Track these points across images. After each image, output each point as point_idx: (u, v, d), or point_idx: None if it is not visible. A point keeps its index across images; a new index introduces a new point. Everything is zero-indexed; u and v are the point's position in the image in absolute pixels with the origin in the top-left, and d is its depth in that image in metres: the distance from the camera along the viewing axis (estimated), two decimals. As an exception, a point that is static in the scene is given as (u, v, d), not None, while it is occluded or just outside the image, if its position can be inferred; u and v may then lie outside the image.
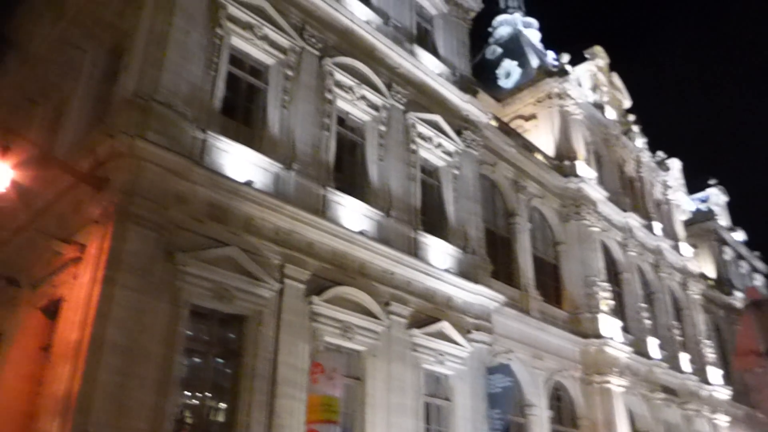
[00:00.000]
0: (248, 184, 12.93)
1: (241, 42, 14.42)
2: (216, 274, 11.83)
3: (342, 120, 16.50)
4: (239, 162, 13.09)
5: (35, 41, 19.00)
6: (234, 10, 14.16)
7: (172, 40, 12.83)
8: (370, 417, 13.76)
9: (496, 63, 34.27)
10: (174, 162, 11.72)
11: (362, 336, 14.21)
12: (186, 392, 11.35)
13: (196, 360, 11.70)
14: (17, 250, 14.11)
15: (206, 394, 11.71)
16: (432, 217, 17.96)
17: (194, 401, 11.56)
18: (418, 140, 18.10)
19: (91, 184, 11.70)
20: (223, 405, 11.89)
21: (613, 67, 34.04)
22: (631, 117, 34.28)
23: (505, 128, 24.05)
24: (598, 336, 22.79)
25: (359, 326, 14.18)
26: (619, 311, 25.46)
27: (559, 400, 21.84)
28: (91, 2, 15.96)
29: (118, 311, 10.30)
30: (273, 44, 14.90)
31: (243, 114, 14.35)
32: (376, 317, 14.59)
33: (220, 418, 11.83)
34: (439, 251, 17.17)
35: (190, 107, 12.57)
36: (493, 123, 22.27)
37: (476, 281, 17.56)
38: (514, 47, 34.95)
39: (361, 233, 14.84)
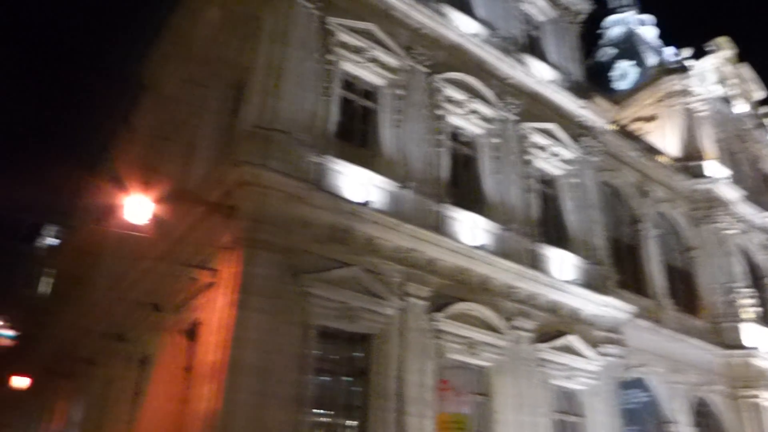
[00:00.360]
0: (366, 204, 13.16)
1: (351, 66, 14.80)
2: (340, 294, 12.12)
3: (455, 135, 16.47)
4: (356, 183, 13.37)
5: (166, 83, 20.48)
6: (344, 36, 14.58)
7: (287, 71, 13.40)
8: (501, 434, 13.48)
9: (609, 65, 33.10)
10: (295, 187, 12.16)
11: (487, 352, 14.00)
12: (318, 410, 11.62)
13: (326, 379, 11.95)
14: (159, 278, 15.12)
15: (337, 412, 11.93)
16: (552, 229, 17.46)
17: (326, 419, 11.80)
18: (534, 150, 17.73)
19: (220, 213, 12.36)
20: (353, 423, 12.06)
21: (742, 57, 31.80)
22: (765, 109, 31.80)
23: (624, 132, 23.06)
24: (742, 346, 21.14)
25: (483, 342, 13.98)
26: (765, 319, 23.49)
27: (703, 416, 20.37)
28: (214, 43, 17.02)
29: (251, 333, 10.77)
30: (383, 65, 15.18)
31: (357, 136, 14.67)
32: (500, 332, 14.34)
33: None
34: (562, 263, 16.63)
35: (307, 133, 13.03)
36: (612, 127, 21.40)
37: (603, 292, 16.85)
38: (629, 47, 33.61)
39: (480, 248, 14.68)
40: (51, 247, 38.44)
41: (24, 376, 20.27)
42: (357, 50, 14.80)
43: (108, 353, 17.52)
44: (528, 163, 17.46)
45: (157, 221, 13.37)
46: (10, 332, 17.89)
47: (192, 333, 12.64)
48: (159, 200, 11.94)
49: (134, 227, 14.97)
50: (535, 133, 17.91)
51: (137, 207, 11.34)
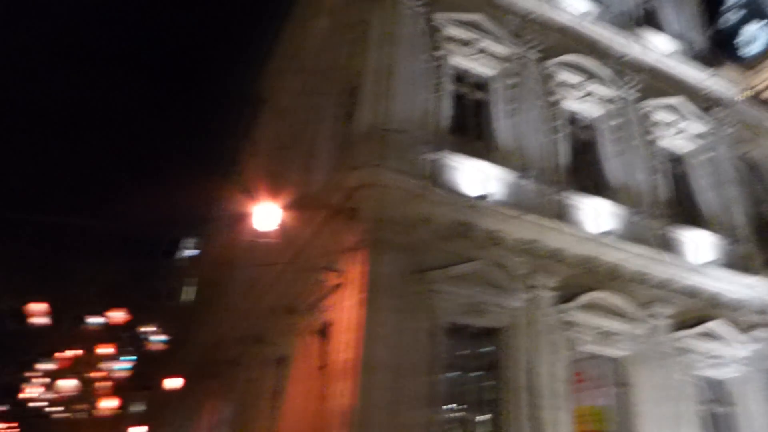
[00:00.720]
0: (485, 197, 13.06)
1: (461, 59, 14.75)
2: (466, 289, 12.11)
3: (572, 120, 15.98)
4: (474, 177, 13.30)
5: (282, 96, 21.36)
6: (451, 30, 14.55)
7: (397, 71, 13.57)
8: (641, 427, 12.90)
9: (734, 30, 30.67)
10: (413, 185, 12.30)
11: (622, 341, 13.46)
12: (450, 406, 11.67)
13: (456, 374, 11.97)
14: (289, 282, 15.81)
15: (469, 407, 11.92)
16: (685, 209, 16.49)
17: (458, 414, 11.83)
18: (658, 128, 16.85)
19: (343, 216, 12.74)
20: (486, 417, 12.00)
21: None
22: None
23: (760, 100, 21.33)
24: None
25: (618, 332, 13.45)
26: None
27: None
28: (324, 51, 17.54)
29: (380, 331, 11.01)
30: (492, 55, 15.00)
31: (472, 129, 14.58)
32: (635, 321, 13.73)
33: (486, 430, 11.95)
34: (698, 244, 15.66)
35: (422, 131, 13.14)
36: (745, 95, 19.85)
37: (748, 272, 15.69)
38: (758, 8, 30.98)
39: (607, 234, 14.14)
40: (191, 258, 41.22)
41: (176, 377, 21.89)
42: (465, 43, 14.72)
43: (248, 354, 18.53)
44: (653, 142, 16.60)
45: (284, 228, 13.98)
46: (163, 337, 19.42)
47: (324, 333, 13.10)
48: (284, 207, 12.50)
49: (263, 234, 15.77)
50: (658, 110, 17.00)
51: (265, 215, 11.92)
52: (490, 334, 12.45)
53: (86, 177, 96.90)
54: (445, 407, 11.42)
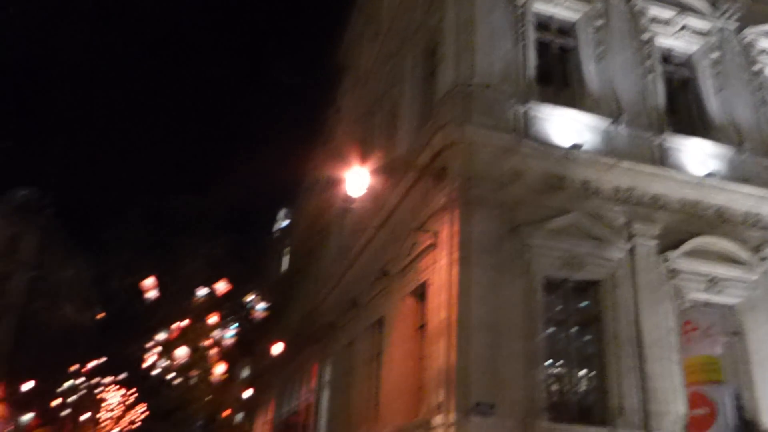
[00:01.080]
0: (578, 147, 12.61)
1: (542, 5, 14.16)
2: (562, 242, 11.82)
3: (666, 58, 15.09)
4: (565, 126, 12.86)
5: (362, 60, 21.31)
6: (531, -24, 13.95)
7: (478, 23, 13.21)
8: (756, 376, 12.29)
9: None
10: (502, 140, 12.06)
11: (734, 288, 12.78)
12: (551, 362, 11.53)
13: (556, 330, 11.79)
14: (383, 245, 15.98)
15: (570, 363, 11.73)
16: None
17: (561, 370, 11.68)
18: (764, 57, 15.61)
19: (432, 176, 12.69)
20: (589, 372, 11.79)
21: None
22: None
23: None
24: None
25: (729, 278, 12.77)
26: None
27: None
28: (401, 11, 17.29)
29: (477, 290, 10.97)
30: (573, -3, 14.31)
31: (559, 77, 14.05)
32: (748, 265, 12.99)
33: (589, 385, 11.75)
34: (815, 181, 14.54)
35: (507, 83, 12.79)
36: None
37: None
38: None
39: (711, 176, 13.37)
40: (286, 228, 42.44)
41: (278, 342, 22.78)
42: (546, -13, 14.10)
43: (346, 318, 18.97)
44: (758, 73, 15.44)
45: (374, 192, 14.07)
46: (264, 305, 20.25)
47: (420, 294, 13.19)
48: (373, 172, 12.57)
49: (354, 200, 15.96)
50: (762, 38, 15.75)
51: (355, 180, 12.02)
52: (589, 287, 12.15)
53: (186, 156, 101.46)
54: (545, 364, 11.29)
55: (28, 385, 41.91)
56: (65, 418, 47.52)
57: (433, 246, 12.37)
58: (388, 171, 13.18)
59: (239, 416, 37.19)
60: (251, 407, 38.34)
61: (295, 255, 35.01)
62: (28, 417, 46.10)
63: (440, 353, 11.08)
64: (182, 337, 20.63)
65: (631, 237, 12.40)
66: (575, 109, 13.15)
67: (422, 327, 13.08)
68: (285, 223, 44.41)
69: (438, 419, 10.68)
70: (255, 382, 38.35)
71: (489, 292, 11.01)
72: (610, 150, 12.86)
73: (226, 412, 31.85)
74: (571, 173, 12.34)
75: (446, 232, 11.86)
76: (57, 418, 47.32)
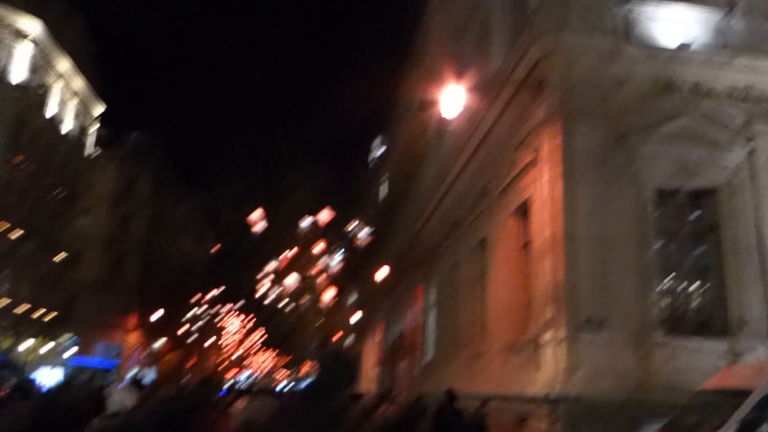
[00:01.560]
0: (687, 46, 11.70)
1: None
2: (673, 149, 11.16)
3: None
4: (670, 25, 11.92)
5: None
6: None
7: None
8: None
9: None
10: (603, 45, 11.38)
11: None
12: (665, 275, 11.13)
13: (669, 241, 11.30)
14: (482, 166, 15.74)
15: (684, 275, 11.27)
16: None
17: (674, 283, 11.26)
18: None
19: (529, 89, 12.20)
20: (706, 284, 11.30)
21: None
22: None
23: None
24: None
25: None
26: None
27: None
28: None
29: (583, 204, 10.64)
30: None
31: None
32: None
33: (705, 297, 11.28)
34: None
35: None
36: None
37: None
38: None
39: None
40: (383, 155, 42.72)
41: (382, 267, 23.34)
42: None
43: (449, 240, 19.08)
44: None
45: (469, 111, 13.77)
46: (367, 231, 20.68)
47: (523, 212, 12.99)
48: (467, 91, 12.25)
49: (449, 121, 15.71)
50: None
51: (449, 101, 11.78)
52: (704, 195, 11.48)
53: (285, 90, 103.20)
54: (659, 276, 10.92)
55: (157, 315, 45.59)
56: (192, 343, 51.49)
57: (534, 163, 12.05)
58: (483, 89, 12.79)
59: (350, 339, 38.93)
60: (360, 330, 39.96)
61: (393, 181, 35.26)
62: (159, 343, 50.42)
63: (547, 271, 10.96)
64: (291, 266, 21.50)
65: (750, 139, 11.52)
66: (681, 2, 12.11)
67: (526, 245, 12.93)
68: (381, 151, 44.64)
69: (547, 336, 10.67)
70: (363, 306, 39.76)
71: (596, 205, 10.66)
72: (723, 46, 11.85)
73: (337, 336, 33.37)
74: (681, 75, 11.49)
75: (547, 147, 11.49)
76: (185, 343, 51.40)
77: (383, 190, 38.73)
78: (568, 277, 10.41)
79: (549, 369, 10.43)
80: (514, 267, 13.31)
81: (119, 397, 5.75)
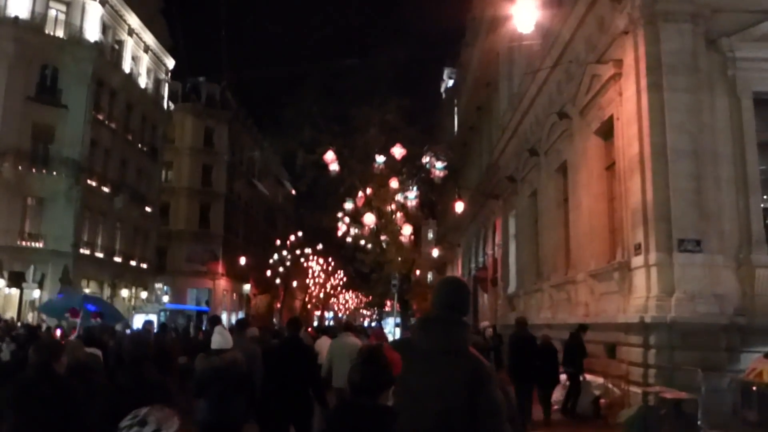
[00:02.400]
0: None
1: None
2: (773, 50, 10.10)
3: None
4: None
5: None
6: None
7: None
8: None
9: None
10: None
11: None
12: (767, 189, 10.27)
13: (771, 152, 10.37)
14: (558, 86, 14.92)
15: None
16: None
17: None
18: None
19: (608, -3, 11.28)
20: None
21: None
22: None
23: None
24: None
25: None
26: None
27: None
28: None
29: (673, 116, 9.84)
30: None
31: None
32: None
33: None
34: None
35: None
36: None
37: None
38: None
39: None
40: (452, 88, 41.62)
41: (458, 201, 22.96)
42: None
43: (527, 168, 18.42)
44: None
45: (543, 28, 12.95)
46: (442, 164, 20.25)
47: (606, 131, 12.24)
48: (540, 4, 11.40)
49: (521, 42, 14.86)
50: None
51: (522, 14, 10.97)
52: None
53: (351, 25, 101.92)
54: (758, 192, 10.06)
55: (241, 260, 47.10)
56: (278, 286, 53.10)
57: (616, 76, 11.21)
58: (557, 1, 11.90)
59: (430, 275, 39.01)
60: (440, 266, 39.96)
61: (465, 112, 34.38)
62: (247, 287, 52.27)
63: (635, 191, 10.30)
64: (368, 205, 21.40)
65: None
66: None
67: (611, 166, 12.25)
68: (451, 82, 43.48)
69: (638, 260, 10.12)
70: (440, 241, 39.62)
71: (687, 117, 9.84)
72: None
73: (417, 272, 33.47)
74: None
75: (630, 58, 10.63)
76: (271, 286, 53.08)
77: (455, 122, 37.89)
78: (658, 197, 9.76)
79: (641, 294, 9.93)
80: (598, 190, 12.66)
81: (219, 338, 6.00)
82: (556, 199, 15.79)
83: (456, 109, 38.66)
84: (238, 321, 8.66)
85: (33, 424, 3.90)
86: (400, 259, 21.85)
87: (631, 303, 10.29)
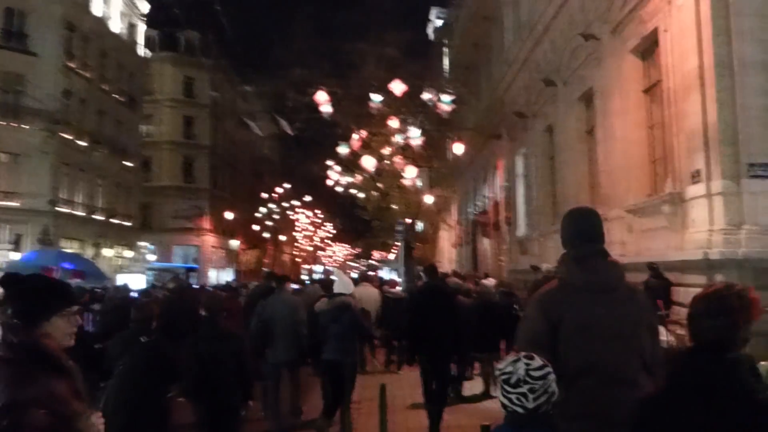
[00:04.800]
0: None
1: None
2: None
3: None
4: None
5: None
6: None
7: None
8: None
9: None
10: None
11: None
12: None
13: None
14: (579, 3, 13.47)
15: None
16: None
17: None
18: None
19: None
20: None
21: None
22: None
23: None
24: None
25: None
26: None
27: None
28: None
29: (739, 22, 8.52)
30: None
31: None
32: None
33: None
34: None
35: None
36: None
37: None
38: None
39: None
40: (441, 27, 39.67)
41: (459, 143, 21.61)
42: None
43: (540, 101, 17.05)
44: None
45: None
46: (448, 98, 18.81)
47: (646, 48, 10.91)
48: None
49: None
50: None
51: None
52: None
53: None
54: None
55: (229, 215, 45.57)
56: (266, 240, 51.88)
57: (664, -18, 9.81)
58: None
59: (420, 224, 37.84)
60: (431, 214, 38.77)
61: (459, 52, 32.75)
62: (235, 243, 50.86)
63: (692, 111, 9.01)
64: (365, 148, 19.93)
65: None
66: None
67: (651, 89, 10.96)
68: (439, 23, 41.54)
69: (695, 189, 8.92)
70: (433, 187, 38.38)
71: (758, 22, 8.51)
72: None
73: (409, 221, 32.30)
74: None
75: (684, -41, 9.22)
76: (260, 241, 51.82)
77: (448, 62, 36.15)
78: (723, 116, 8.51)
79: (702, 228, 8.76)
80: (636, 117, 11.38)
81: (339, 284, 6.97)
82: (577, 132, 14.51)
83: (447, 50, 36.89)
84: (279, 277, 8.73)
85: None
86: (403, 205, 20.53)
87: (687, 238, 9.14)
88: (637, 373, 2.32)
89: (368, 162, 19.30)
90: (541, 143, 17.52)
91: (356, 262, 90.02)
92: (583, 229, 2.62)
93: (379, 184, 22.02)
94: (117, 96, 34.69)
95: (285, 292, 7.48)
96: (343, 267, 78.02)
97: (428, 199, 21.46)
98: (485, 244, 29.29)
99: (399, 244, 21.58)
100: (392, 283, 12.54)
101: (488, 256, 28.52)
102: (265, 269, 28.03)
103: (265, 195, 48.59)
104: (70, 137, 28.99)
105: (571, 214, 2.80)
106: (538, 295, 2.56)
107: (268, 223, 49.14)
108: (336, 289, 6.63)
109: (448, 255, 40.66)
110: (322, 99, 19.87)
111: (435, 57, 39.07)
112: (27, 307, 1.96)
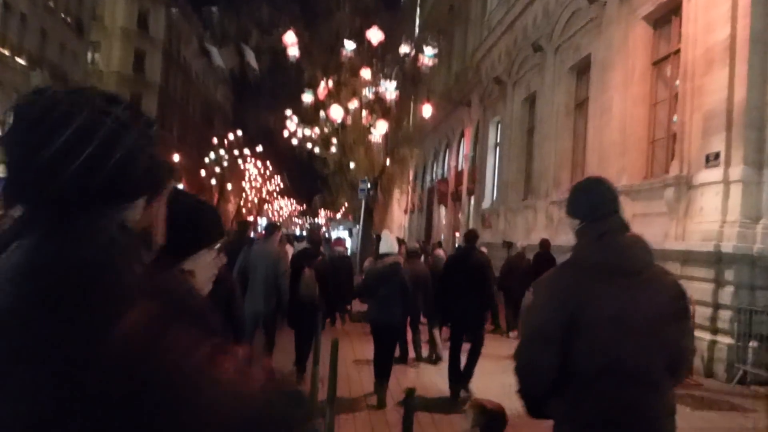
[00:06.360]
0: None
1: None
2: None
3: None
4: None
5: None
6: None
7: None
8: None
9: None
10: None
11: None
12: None
13: None
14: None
15: None
16: None
17: None
18: None
19: None
20: None
21: None
22: None
23: None
24: None
25: None
26: None
27: None
28: None
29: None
30: None
31: None
32: None
33: None
34: None
35: None
36: None
37: None
38: None
39: None
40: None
41: (428, 104, 20.49)
42: None
43: (525, 67, 16.03)
44: None
45: None
46: (432, 51, 17.62)
47: (661, 17, 9.99)
48: None
49: None
50: None
51: None
52: None
53: None
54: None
55: (174, 158, 43.40)
56: (212, 187, 49.89)
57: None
58: None
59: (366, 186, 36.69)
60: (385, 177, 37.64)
61: (431, 15, 31.51)
62: (179, 188, 48.57)
63: (716, 88, 8.14)
64: (333, 98, 18.56)
65: None
66: None
67: (660, 61, 10.08)
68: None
69: (709, 175, 8.10)
70: (391, 153, 37.21)
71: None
72: None
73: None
74: None
75: None
76: (205, 188, 49.81)
77: (417, 26, 34.68)
78: (752, 97, 7.66)
79: (712, 218, 7.96)
80: (639, 91, 10.49)
81: (385, 244, 6.86)
82: (565, 104, 13.60)
83: (418, 12, 35.47)
84: (269, 225, 8.61)
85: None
86: (367, 162, 19.30)
87: (692, 228, 8.35)
88: (662, 373, 2.01)
89: (336, 112, 17.98)
90: (520, 114, 16.57)
91: (301, 219, 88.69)
92: (602, 200, 2.16)
93: (340, 139, 20.71)
94: (63, 16, 32.00)
95: (271, 242, 7.10)
96: (287, 223, 76.55)
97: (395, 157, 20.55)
98: (441, 212, 28.50)
99: (356, 203, 20.40)
100: (338, 242, 11.80)
101: (443, 225, 27.76)
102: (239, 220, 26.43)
103: (215, 141, 46.55)
104: (7, 53, 26.47)
105: (586, 182, 2.31)
106: (548, 279, 2.13)
107: (216, 169, 47.21)
108: (382, 249, 6.57)
109: (398, 221, 39.77)
110: (290, 40, 18.43)
111: (406, 21, 37.55)
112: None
